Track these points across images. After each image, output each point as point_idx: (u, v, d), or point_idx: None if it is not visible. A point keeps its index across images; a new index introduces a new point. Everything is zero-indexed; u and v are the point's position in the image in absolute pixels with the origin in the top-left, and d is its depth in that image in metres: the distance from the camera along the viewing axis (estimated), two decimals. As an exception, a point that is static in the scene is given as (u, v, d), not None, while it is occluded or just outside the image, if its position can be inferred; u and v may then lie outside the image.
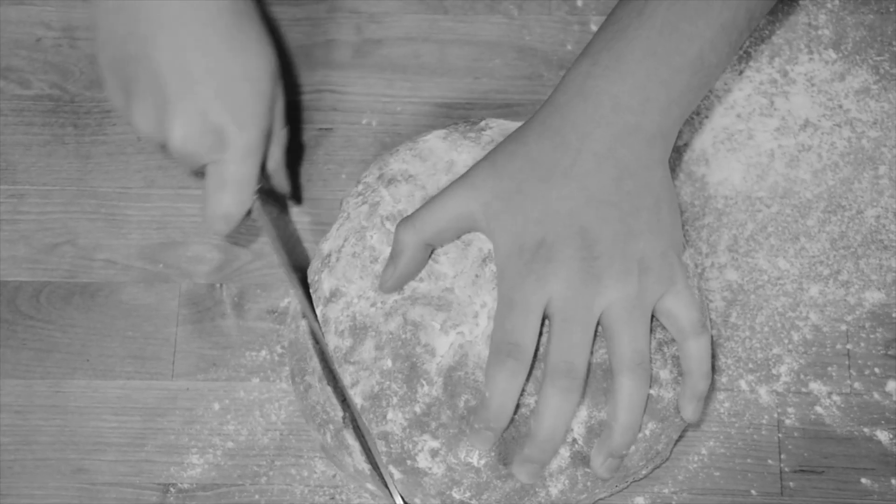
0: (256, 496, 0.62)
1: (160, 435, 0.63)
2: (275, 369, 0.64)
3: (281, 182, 0.64)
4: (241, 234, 0.67)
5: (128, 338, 0.65)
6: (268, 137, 0.60)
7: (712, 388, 0.63)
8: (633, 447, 0.56)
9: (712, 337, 0.57)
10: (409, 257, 0.56)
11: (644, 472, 0.59)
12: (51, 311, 0.65)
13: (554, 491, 0.56)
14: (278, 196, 0.66)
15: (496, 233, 0.55)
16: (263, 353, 0.64)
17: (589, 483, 0.56)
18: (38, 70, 0.70)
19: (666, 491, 0.61)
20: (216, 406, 0.63)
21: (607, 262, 0.53)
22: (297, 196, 0.68)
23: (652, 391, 0.56)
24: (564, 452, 0.55)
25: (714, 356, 0.63)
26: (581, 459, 0.56)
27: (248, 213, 0.60)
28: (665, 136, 0.56)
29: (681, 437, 0.62)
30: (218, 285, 0.66)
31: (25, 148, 0.69)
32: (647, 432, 0.56)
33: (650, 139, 0.55)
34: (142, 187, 0.68)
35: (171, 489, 0.62)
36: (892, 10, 0.70)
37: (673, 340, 0.57)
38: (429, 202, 0.56)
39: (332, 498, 0.62)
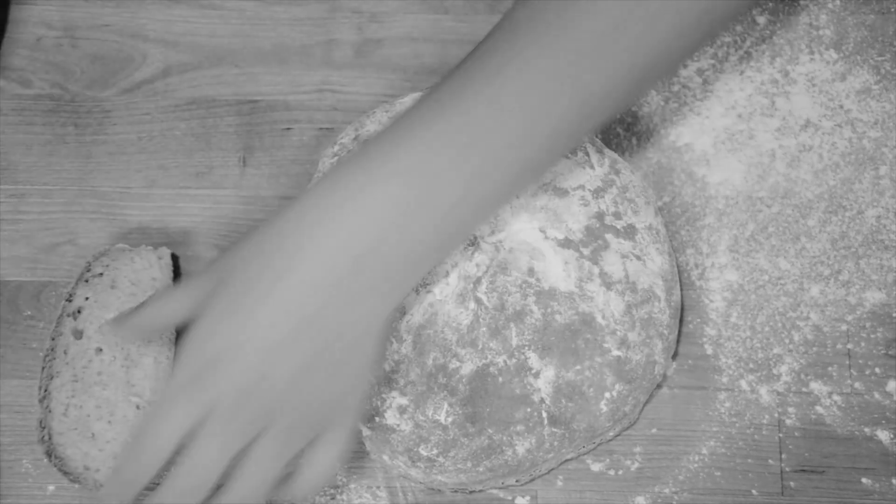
0: (257, 496, 0.62)
1: (161, 435, 0.63)
2: (276, 369, 0.64)
3: None
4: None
5: (128, 337, 0.65)
6: None
7: (713, 387, 0.63)
8: (601, 406, 0.56)
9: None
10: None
11: (611, 433, 0.60)
12: (51, 311, 0.65)
13: (521, 449, 0.57)
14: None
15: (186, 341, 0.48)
16: (264, 352, 0.64)
17: (556, 443, 0.57)
18: (38, 69, 0.70)
19: (667, 491, 0.61)
20: (217, 406, 0.63)
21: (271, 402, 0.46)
22: None
23: (619, 353, 0.57)
24: (532, 412, 0.56)
25: (715, 356, 0.64)
26: (549, 419, 0.56)
27: None
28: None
29: (648, 400, 0.62)
30: (219, 285, 0.66)
31: (26, 147, 0.69)
32: (615, 393, 0.57)
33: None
34: (142, 187, 0.68)
35: (172, 489, 0.62)
36: (893, 10, 0.70)
37: (642, 302, 0.57)
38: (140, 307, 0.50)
39: (333, 498, 0.62)
